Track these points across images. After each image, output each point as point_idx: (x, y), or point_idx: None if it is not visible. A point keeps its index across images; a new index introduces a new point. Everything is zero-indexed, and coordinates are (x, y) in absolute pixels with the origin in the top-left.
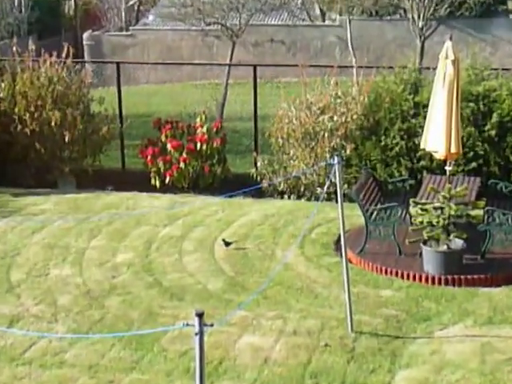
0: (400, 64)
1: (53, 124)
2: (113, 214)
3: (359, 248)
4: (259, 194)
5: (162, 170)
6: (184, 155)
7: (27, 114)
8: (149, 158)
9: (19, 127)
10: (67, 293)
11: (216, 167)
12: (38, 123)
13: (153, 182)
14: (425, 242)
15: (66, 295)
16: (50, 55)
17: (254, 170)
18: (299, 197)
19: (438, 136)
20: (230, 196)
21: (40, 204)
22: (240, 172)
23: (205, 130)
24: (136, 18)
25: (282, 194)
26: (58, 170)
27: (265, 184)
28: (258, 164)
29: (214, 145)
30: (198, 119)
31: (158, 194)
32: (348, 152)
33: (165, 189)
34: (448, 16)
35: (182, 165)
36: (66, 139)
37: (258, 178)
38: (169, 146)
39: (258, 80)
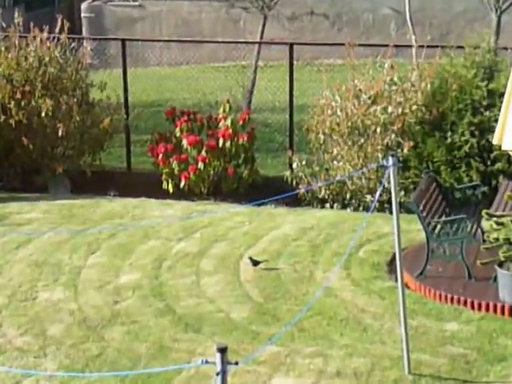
0: (471, 43)
1: (43, 114)
2: (116, 226)
3: (419, 270)
4: (295, 202)
5: (176, 172)
6: (203, 154)
7: (12, 102)
8: (160, 156)
9: (2, 118)
10: (59, 321)
11: (242, 169)
12: (25, 113)
13: (165, 185)
14: (501, 264)
15: (57, 324)
16: (41, 30)
17: (288, 173)
18: (344, 206)
19: None
20: (259, 204)
21: (27, 212)
22: (271, 175)
23: (229, 122)
24: None
25: (322, 203)
26: (49, 171)
27: (302, 190)
28: (294, 165)
29: (240, 141)
30: (221, 110)
31: (171, 201)
32: (405, 151)
33: (179, 194)
34: None
35: (200, 165)
36: (60, 133)
37: (294, 183)
38: (185, 142)
39: (295, 62)
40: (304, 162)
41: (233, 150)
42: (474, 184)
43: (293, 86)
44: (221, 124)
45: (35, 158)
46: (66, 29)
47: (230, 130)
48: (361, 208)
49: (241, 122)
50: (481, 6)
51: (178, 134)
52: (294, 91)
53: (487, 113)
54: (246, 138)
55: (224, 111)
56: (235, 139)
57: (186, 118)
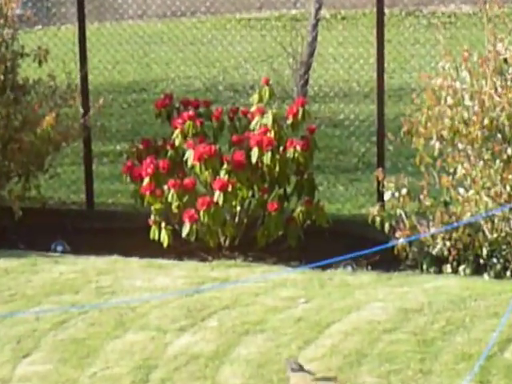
0: None
1: None
2: (67, 306)
3: None
4: (388, 262)
5: (174, 209)
6: (223, 176)
7: None
8: (146, 181)
9: None
10: None
11: (293, 202)
12: None
13: (154, 233)
14: None
15: None
16: None
17: (376, 210)
18: (478, 269)
19: None
20: (324, 267)
21: None
22: (345, 213)
23: (269, 120)
24: None
25: (439, 264)
26: None
27: (401, 241)
28: (387, 196)
29: (290, 153)
30: (255, 98)
31: (166, 261)
32: None
33: (181, 249)
34: None
35: (218, 197)
36: None
37: (386, 228)
38: (190, 155)
39: (387, 12)
40: (404, 191)
41: (276, 170)
42: None
43: (383, 53)
44: (254, 123)
45: None
46: None
47: (272, 134)
48: (508, 273)
49: (290, 119)
50: None
51: (177, 142)
52: (384, 63)
53: None
54: (299, 148)
55: (260, 100)
56: (280, 150)
57: (191, 112)
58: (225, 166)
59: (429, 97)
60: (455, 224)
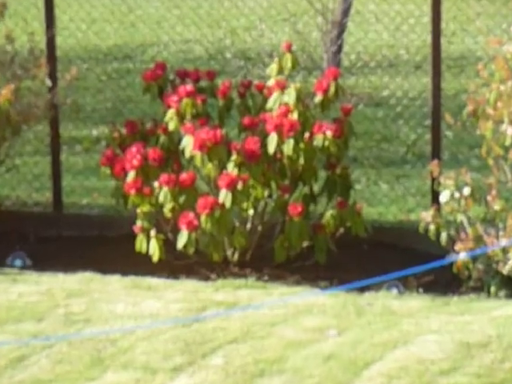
0: None
1: None
2: (27, 338)
3: None
4: (447, 283)
5: (167, 212)
6: (232, 169)
7: None
8: (131, 175)
9: None
10: None
11: (322, 204)
12: None
13: (141, 244)
14: None
15: None
16: None
17: (429, 215)
18: None
19: None
20: (362, 288)
21: None
22: (389, 219)
23: (291, 97)
24: None
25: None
26: None
27: (462, 255)
28: (444, 197)
29: (319, 141)
30: (273, 68)
31: (157, 281)
32: None
33: (175, 264)
34: None
35: (225, 196)
36: None
37: (443, 238)
38: (188, 142)
39: None
40: (467, 191)
41: (300, 163)
42: None
43: (440, 10)
44: (272, 101)
45: None
46: None
47: (295, 115)
48: None
49: (319, 97)
50: None
51: (171, 125)
52: (441, 23)
53: None
54: (330, 134)
55: (280, 71)
56: (305, 136)
57: (189, 86)
58: (233, 156)
59: (499, 67)
60: None
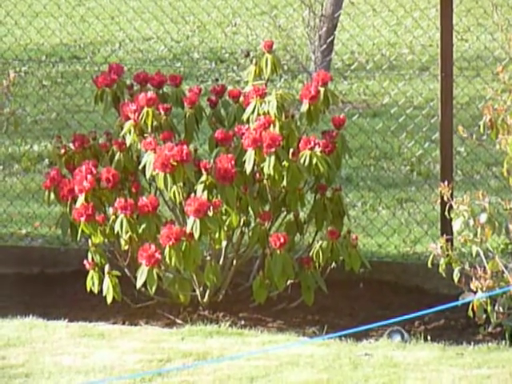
0: None
1: None
2: None
3: None
4: (460, 328)
5: (124, 244)
6: (201, 192)
7: None
8: (81, 200)
9: None
10: None
11: (310, 234)
12: None
13: (92, 281)
14: None
15: None
16: None
17: (439, 246)
18: None
19: None
20: (359, 335)
21: None
22: (390, 252)
23: (272, 106)
24: None
25: None
26: None
27: (479, 295)
28: (456, 224)
29: (305, 158)
30: (251, 70)
31: (111, 327)
32: None
33: (134, 308)
34: None
35: (193, 225)
36: None
37: (455, 275)
38: (149, 159)
39: None
40: (484, 217)
41: (283, 184)
42: None
43: (451, 2)
44: (249, 110)
45: None
46: None
47: (277, 128)
48: None
49: (306, 105)
50: None
51: (129, 140)
52: (453, 17)
53: None
54: (319, 150)
55: (259, 74)
56: (290, 152)
57: (150, 93)
58: (203, 177)
59: None
60: None
